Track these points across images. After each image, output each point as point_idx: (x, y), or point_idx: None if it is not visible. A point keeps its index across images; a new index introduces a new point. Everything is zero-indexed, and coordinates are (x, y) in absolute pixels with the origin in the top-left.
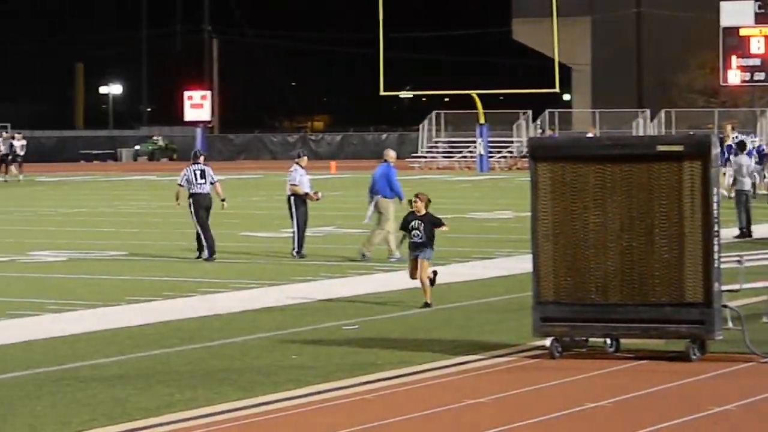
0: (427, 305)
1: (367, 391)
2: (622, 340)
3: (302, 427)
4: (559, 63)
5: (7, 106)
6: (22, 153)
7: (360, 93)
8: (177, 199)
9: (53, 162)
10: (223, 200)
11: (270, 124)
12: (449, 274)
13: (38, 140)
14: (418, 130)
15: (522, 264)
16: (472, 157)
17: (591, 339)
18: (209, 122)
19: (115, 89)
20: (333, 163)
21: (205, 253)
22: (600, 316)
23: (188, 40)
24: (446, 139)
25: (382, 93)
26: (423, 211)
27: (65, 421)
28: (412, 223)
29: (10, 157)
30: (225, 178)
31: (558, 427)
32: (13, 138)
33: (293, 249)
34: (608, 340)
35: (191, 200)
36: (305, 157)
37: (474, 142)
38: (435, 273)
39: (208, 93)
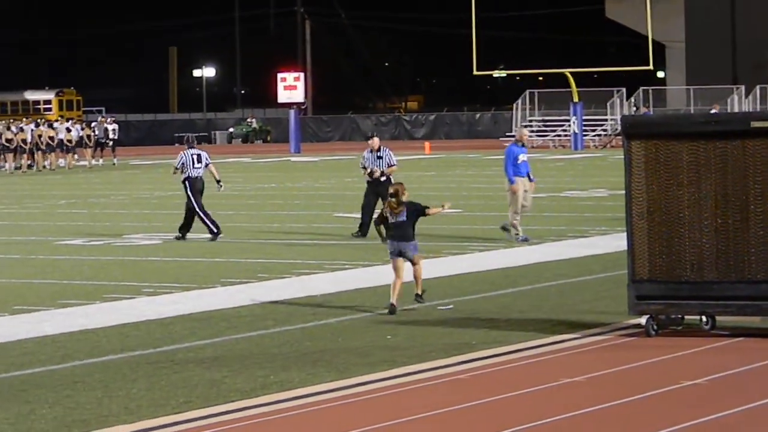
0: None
1: (463, 371)
2: (718, 318)
3: (398, 407)
4: (653, 40)
5: (103, 91)
6: (114, 137)
7: (453, 73)
8: (174, 172)
9: (148, 145)
10: (218, 182)
11: (363, 105)
12: (543, 253)
13: (133, 124)
14: (511, 109)
15: (617, 242)
16: (566, 135)
17: (686, 317)
18: (303, 104)
19: (208, 72)
20: (427, 144)
21: (181, 235)
22: (695, 294)
23: (281, 22)
24: (540, 118)
25: (475, 73)
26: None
27: (161, 404)
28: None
29: (104, 141)
30: (318, 160)
31: (654, 405)
32: (107, 122)
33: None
34: (704, 318)
35: (187, 183)
36: (371, 139)
37: (568, 120)
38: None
39: (302, 74)
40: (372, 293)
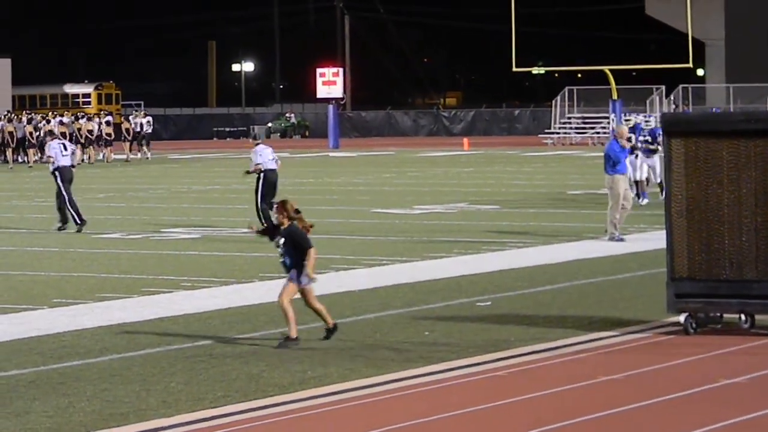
0: (331, 330)
1: (501, 367)
2: (757, 317)
3: (435, 403)
4: (693, 38)
5: (142, 85)
6: (148, 129)
7: (492, 69)
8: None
9: (187, 140)
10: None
11: (402, 101)
12: (581, 250)
13: (172, 118)
14: (550, 106)
15: (656, 240)
16: (605, 132)
17: (725, 315)
18: (341, 99)
19: (247, 67)
20: (465, 140)
21: (61, 224)
22: (735, 292)
23: (320, 17)
24: (579, 115)
25: (514, 69)
26: (285, 224)
27: (199, 398)
28: (277, 239)
29: (140, 136)
30: (356, 155)
31: (693, 404)
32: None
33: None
34: (743, 317)
35: (57, 173)
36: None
37: (607, 117)
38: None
39: (340, 70)
40: (410, 289)
